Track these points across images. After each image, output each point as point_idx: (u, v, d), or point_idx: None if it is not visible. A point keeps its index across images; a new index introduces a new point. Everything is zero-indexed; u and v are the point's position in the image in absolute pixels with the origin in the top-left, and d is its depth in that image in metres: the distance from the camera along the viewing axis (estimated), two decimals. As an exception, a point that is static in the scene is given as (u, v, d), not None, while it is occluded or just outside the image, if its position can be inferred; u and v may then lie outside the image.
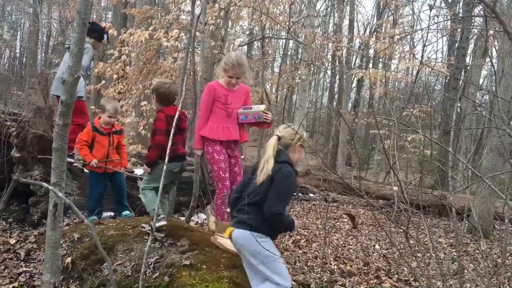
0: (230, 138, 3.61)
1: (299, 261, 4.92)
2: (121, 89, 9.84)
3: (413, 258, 4.72)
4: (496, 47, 13.34)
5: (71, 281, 3.35)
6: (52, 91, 5.56)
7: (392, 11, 17.56)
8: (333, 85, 22.21)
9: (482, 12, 9.32)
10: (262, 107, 3.49)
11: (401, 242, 6.47)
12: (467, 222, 7.45)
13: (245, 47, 20.50)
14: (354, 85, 22.95)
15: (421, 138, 3.85)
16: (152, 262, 3.29)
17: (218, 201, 3.60)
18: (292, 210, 6.19)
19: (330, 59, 18.61)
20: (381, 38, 14.91)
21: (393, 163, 3.65)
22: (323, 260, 4.95)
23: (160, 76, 10.07)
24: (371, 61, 19.93)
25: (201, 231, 3.88)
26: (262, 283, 2.75)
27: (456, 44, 15.64)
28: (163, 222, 3.58)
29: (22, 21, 31.23)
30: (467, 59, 16.09)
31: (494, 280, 4.10)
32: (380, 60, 18.92)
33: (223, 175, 3.56)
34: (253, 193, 2.73)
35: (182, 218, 5.30)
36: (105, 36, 5.86)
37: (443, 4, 17.86)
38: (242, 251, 2.81)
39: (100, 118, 4.69)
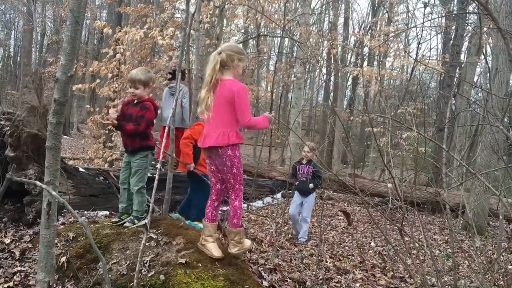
0: None
1: (295, 259, 4.94)
2: (116, 87, 9.80)
3: (408, 255, 4.75)
4: (491, 45, 13.40)
5: (66, 280, 3.34)
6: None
7: (387, 9, 17.61)
8: (328, 83, 22.24)
9: (476, 10, 9.35)
10: None
11: (396, 239, 6.50)
12: (461, 219, 7.49)
13: (241, 45, 20.47)
14: (349, 83, 23.01)
15: (416, 136, 3.86)
16: (147, 260, 3.29)
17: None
18: (287, 207, 6.23)
19: (325, 57, 18.65)
20: (376, 36, 14.93)
21: (388, 161, 3.67)
22: (319, 258, 4.96)
23: (155, 74, 10.05)
24: (366, 59, 19.99)
25: (196, 230, 3.88)
26: None
27: (451, 42, 15.69)
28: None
29: (16, 20, 31.09)
30: (462, 56, 16.16)
31: (488, 277, 4.13)
32: (375, 57, 18.97)
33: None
34: None
35: (178, 217, 5.30)
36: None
37: (437, 2, 17.93)
38: None
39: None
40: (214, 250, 3.33)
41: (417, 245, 4.72)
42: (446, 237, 7.04)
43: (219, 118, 3.27)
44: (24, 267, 3.63)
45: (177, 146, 5.71)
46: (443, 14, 14.82)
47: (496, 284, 4.36)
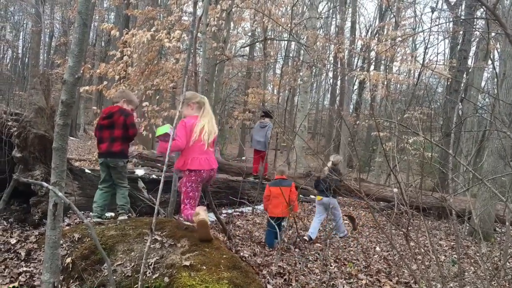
0: None
1: (299, 263, 4.92)
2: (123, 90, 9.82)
3: (414, 260, 4.72)
4: (498, 50, 13.33)
5: (71, 281, 3.35)
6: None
7: (394, 13, 17.57)
8: (334, 87, 22.22)
9: (483, 15, 9.31)
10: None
11: (402, 244, 6.47)
12: (468, 225, 7.44)
13: (247, 48, 20.52)
14: (355, 87, 22.97)
15: (422, 141, 3.85)
16: (152, 262, 3.29)
17: None
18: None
19: (332, 61, 18.62)
20: (383, 40, 14.90)
21: (394, 165, 3.65)
22: (324, 262, 4.95)
23: (161, 77, 10.08)
24: (373, 63, 19.93)
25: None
26: None
27: (458, 47, 15.63)
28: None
29: (24, 22, 31.33)
30: (469, 61, 16.08)
31: (494, 283, 4.09)
32: (382, 62, 18.91)
33: None
34: None
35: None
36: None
37: (445, 7, 17.86)
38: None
39: None
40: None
41: (422, 250, 4.69)
42: (452, 243, 6.99)
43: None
44: (30, 267, 3.64)
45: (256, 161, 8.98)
46: (451, 19, 14.77)
47: (502, 291, 4.32)
